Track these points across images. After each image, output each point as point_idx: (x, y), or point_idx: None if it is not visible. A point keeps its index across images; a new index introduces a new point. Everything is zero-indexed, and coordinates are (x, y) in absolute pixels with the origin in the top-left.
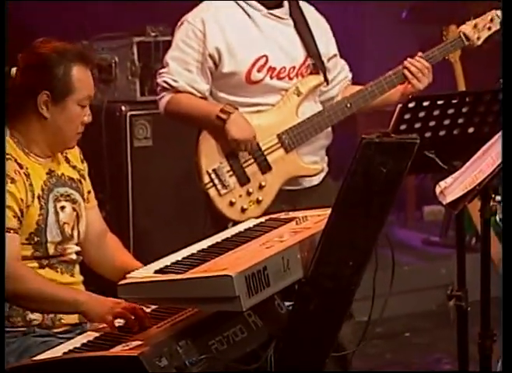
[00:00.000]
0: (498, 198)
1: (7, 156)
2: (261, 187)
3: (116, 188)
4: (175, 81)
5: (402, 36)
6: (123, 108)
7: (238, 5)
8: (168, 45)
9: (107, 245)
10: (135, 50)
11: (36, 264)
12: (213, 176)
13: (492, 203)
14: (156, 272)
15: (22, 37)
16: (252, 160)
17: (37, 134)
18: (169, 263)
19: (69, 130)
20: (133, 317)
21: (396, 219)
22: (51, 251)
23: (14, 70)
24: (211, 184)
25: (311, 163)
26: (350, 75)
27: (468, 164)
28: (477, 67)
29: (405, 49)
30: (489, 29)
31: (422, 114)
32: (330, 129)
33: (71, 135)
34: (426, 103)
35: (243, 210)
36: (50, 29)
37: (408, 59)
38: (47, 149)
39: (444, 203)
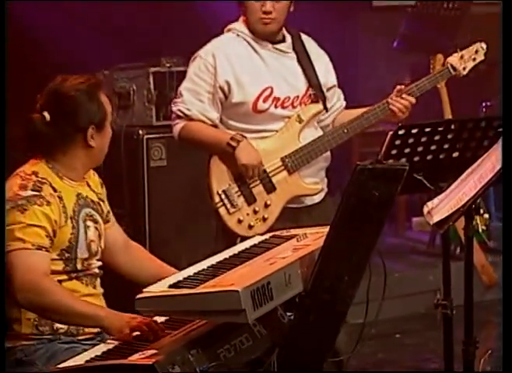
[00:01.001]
0: (486, 216)
1: (43, 180)
2: (266, 206)
3: (134, 204)
4: (188, 110)
5: (393, 63)
6: (140, 132)
7: (245, 40)
8: (181, 75)
9: (135, 254)
10: (151, 79)
11: (65, 277)
12: (223, 196)
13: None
14: (171, 286)
15: (53, 69)
16: (258, 181)
17: (78, 161)
18: (182, 278)
19: (106, 149)
20: (147, 330)
21: (387, 229)
22: (79, 266)
23: (47, 114)
24: (221, 203)
25: (312, 184)
26: (344, 103)
27: (452, 186)
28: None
29: (396, 75)
30: (474, 60)
31: (411, 140)
32: (329, 152)
33: (105, 153)
34: (414, 131)
35: (250, 227)
36: (76, 59)
37: (394, 97)
38: (83, 173)
39: (431, 223)
